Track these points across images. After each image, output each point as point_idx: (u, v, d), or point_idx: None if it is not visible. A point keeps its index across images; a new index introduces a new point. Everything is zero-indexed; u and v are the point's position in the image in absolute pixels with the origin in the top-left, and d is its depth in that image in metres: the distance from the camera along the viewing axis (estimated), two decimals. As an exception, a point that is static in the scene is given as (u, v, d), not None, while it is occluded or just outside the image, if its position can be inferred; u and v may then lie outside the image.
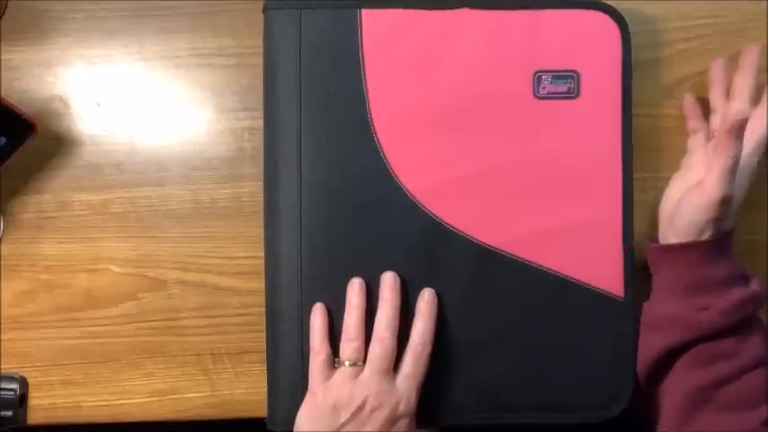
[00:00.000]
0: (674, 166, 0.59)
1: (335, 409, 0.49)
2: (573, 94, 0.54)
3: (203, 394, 0.60)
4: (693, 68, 0.59)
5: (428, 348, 0.51)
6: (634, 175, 0.55)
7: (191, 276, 0.60)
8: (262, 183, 0.56)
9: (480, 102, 0.54)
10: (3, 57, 0.59)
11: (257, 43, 0.57)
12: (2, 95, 0.56)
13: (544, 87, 0.54)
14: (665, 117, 0.59)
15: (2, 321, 0.59)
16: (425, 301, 0.52)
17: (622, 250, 0.53)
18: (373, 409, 0.49)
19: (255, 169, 0.59)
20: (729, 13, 0.59)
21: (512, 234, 0.53)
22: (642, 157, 0.57)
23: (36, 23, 0.60)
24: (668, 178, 0.58)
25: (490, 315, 0.53)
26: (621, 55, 0.54)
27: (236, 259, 0.60)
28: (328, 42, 0.54)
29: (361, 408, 0.49)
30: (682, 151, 0.59)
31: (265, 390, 0.56)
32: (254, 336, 0.59)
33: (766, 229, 0.60)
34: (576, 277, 0.53)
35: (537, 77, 0.54)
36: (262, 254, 0.56)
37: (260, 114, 0.57)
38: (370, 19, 0.53)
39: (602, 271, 0.53)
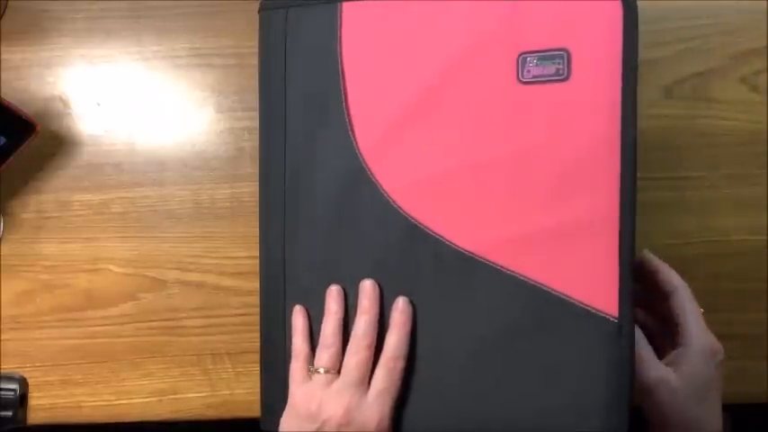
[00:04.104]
0: (673, 167, 0.59)
1: (308, 417, 0.48)
2: (562, 75, 0.46)
3: (203, 394, 0.60)
4: (693, 68, 0.59)
5: (401, 362, 0.48)
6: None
7: (191, 276, 0.60)
8: (261, 183, 0.57)
9: (460, 92, 0.49)
10: (3, 57, 0.59)
11: (256, 43, 0.57)
12: (2, 95, 0.56)
13: (529, 70, 0.47)
14: (664, 117, 0.59)
15: (2, 321, 0.59)
16: (399, 311, 0.48)
17: (618, 260, 0.45)
18: (340, 426, 0.47)
19: (255, 169, 0.59)
20: (729, 13, 0.59)
21: (491, 238, 0.48)
22: (641, 158, 0.56)
23: (36, 23, 0.60)
24: (667, 179, 0.58)
25: (465, 328, 0.48)
26: (623, 26, 0.45)
27: (236, 259, 0.60)
28: (310, 39, 0.53)
29: (326, 422, 0.47)
30: (681, 152, 0.59)
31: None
32: (254, 336, 0.59)
33: (766, 229, 0.60)
34: (560, 290, 0.46)
35: (521, 60, 0.47)
36: (261, 254, 0.56)
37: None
38: (351, 12, 0.51)
39: (593, 284, 0.46)
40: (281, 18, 0.53)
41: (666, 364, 0.48)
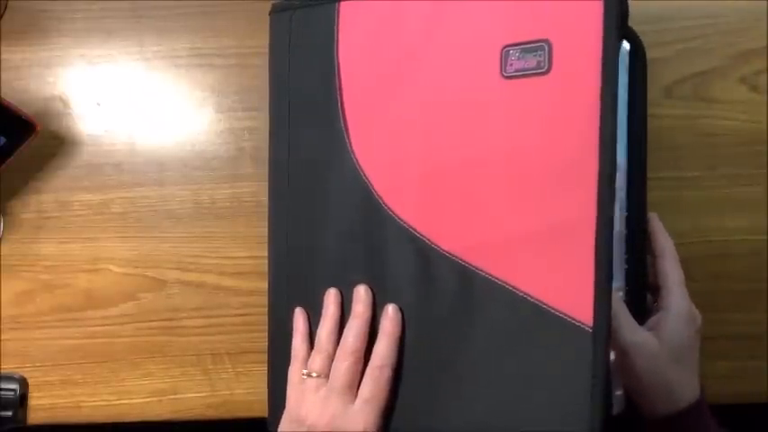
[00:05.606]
0: (673, 167, 0.59)
1: (297, 421, 0.48)
2: (543, 68, 0.44)
3: (203, 394, 0.60)
4: (693, 68, 0.59)
5: (388, 371, 0.47)
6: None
7: (191, 276, 0.60)
8: (261, 183, 0.56)
9: (448, 90, 0.47)
10: (3, 57, 0.59)
11: (257, 43, 0.57)
12: (2, 95, 0.56)
13: (512, 64, 0.45)
14: (664, 117, 0.59)
15: (2, 321, 0.59)
16: (389, 318, 0.48)
17: (594, 267, 0.42)
18: None
19: (255, 169, 0.59)
20: (729, 13, 0.59)
21: (472, 241, 0.46)
22: (642, 158, 0.57)
23: (36, 23, 0.60)
24: (667, 179, 0.58)
25: (447, 333, 0.47)
26: (603, 16, 0.42)
27: (236, 259, 0.60)
28: (310, 39, 0.52)
29: (312, 427, 0.47)
30: (681, 151, 0.59)
31: (265, 390, 0.56)
32: (254, 336, 0.59)
33: (766, 229, 0.60)
34: (536, 296, 0.44)
35: (505, 53, 0.45)
36: (261, 254, 0.56)
37: (260, 114, 0.57)
38: (347, 12, 0.51)
39: (568, 291, 0.43)
40: (287, 20, 0.53)
41: (647, 329, 0.49)
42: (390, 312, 0.48)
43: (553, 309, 0.43)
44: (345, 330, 0.48)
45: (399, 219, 0.48)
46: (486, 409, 0.45)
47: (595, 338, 0.42)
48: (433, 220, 0.47)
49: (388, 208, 0.49)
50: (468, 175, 0.46)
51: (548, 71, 0.44)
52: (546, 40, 0.44)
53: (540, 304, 0.43)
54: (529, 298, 0.44)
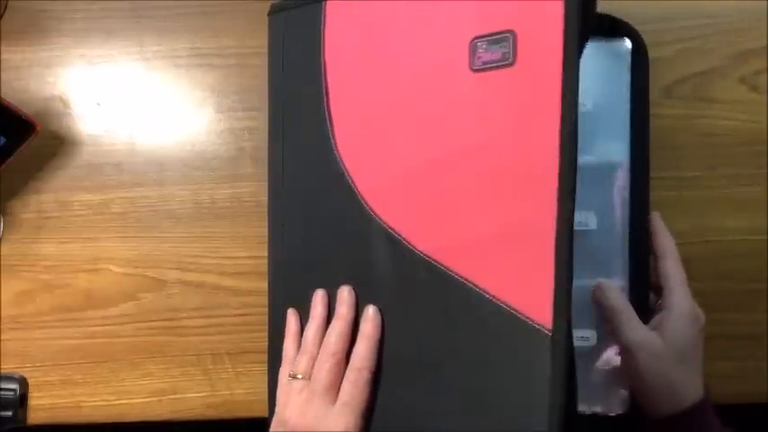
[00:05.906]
0: (673, 167, 0.59)
1: (281, 422, 0.48)
2: (508, 60, 0.42)
3: (203, 394, 0.60)
4: (693, 68, 0.59)
5: (366, 373, 0.47)
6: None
7: (191, 276, 0.60)
8: (261, 183, 0.57)
9: (424, 88, 0.47)
10: (3, 57, 0.59)
11: (257, 43, 0.57)
12: (2, 95, 0.56)
13: (480, 56, 0.44)
14: (665, 117, 0.59)
15: (2, 321, 0.59)
16: (369, 320, 0.47)
17: (554, 268, 0.40)
18: None
19: (255, 169, 0.59)
20: (729, 13, 0.59)
21: (443, 240, 0.45)
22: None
23: (36, 23, 0.60)
24: (667, 179, 0.58)
25: (418, 335, 0.46)
26: (564, 13, 0.40)
27: (236, 259, 0.60)
28: (300, 39, 0.52)
29: (294, 428, 0.47)
30: (681, 151, 0.59)
31: (265, 390, 0.56)
32: (254, 336, 0.59)
33: (766, 229, 0.60)
34: (497, 296, 0.43)
35: (473, 46, 0.44)
36: (261, 254, 0.56)
37: (259, 114, 0.57)
38: (334, 11, 0.51)
39: (528, 291, 0.42)
40: (282, 21, 0.53)
41: (651, 329, 0.49)
42: (370, 314, 0.48)
43: (515, 310, 0.42)
44: (328, 332, 0.48)
45: (380, 219, 0.48)
46: (459, 412, 0.45)
47: (554, 341, 0.41)
48: (410, 220, 0.47)
49: (370, 208, 0.49)
50: (440, 173, 0.46)
51: (513, 63, 0.42)
52: (511, 31, 0.43)
53: (503, 306, 0.43)
54: (493, 299, 0.43)
